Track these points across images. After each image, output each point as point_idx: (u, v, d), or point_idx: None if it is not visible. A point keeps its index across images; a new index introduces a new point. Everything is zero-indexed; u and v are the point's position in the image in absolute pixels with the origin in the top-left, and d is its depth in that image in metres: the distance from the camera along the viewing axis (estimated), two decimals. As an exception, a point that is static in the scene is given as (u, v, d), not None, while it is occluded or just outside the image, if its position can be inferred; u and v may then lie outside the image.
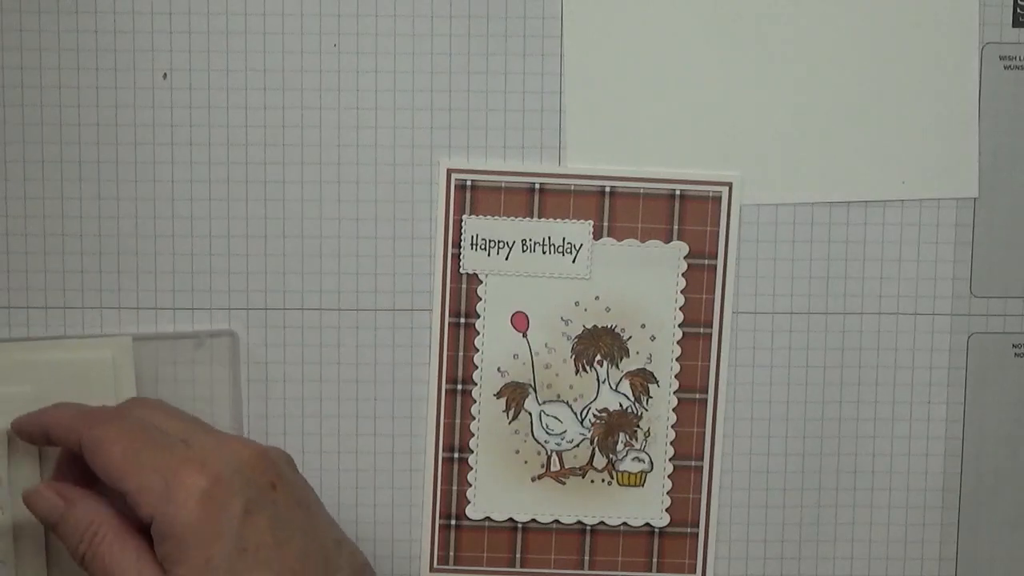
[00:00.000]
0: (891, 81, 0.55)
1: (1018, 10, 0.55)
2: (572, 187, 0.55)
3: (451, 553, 0.57)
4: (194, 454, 0.46)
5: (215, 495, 0.45)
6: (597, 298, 0.56)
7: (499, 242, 0.56)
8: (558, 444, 0.56)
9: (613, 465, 0.57)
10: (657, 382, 0.56)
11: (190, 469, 0.46)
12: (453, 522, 0.57)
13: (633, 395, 0.56)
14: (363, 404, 0.56)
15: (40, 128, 0.55)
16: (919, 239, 0.56)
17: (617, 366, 0.56)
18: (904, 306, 0.57)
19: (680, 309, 0.56)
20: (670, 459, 0.57)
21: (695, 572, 0.57)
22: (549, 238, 0.56)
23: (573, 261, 0.56)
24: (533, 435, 0.56)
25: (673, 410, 0.57)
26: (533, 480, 0.57)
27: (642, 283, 0.56)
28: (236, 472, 0.46)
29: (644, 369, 0.56)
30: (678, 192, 0.56)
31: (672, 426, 0.57)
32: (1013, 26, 0.55)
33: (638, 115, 0.55)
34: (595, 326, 0.56)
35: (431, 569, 0.57)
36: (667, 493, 0.57)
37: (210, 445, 0.47)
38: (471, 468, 0.57)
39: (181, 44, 0.55)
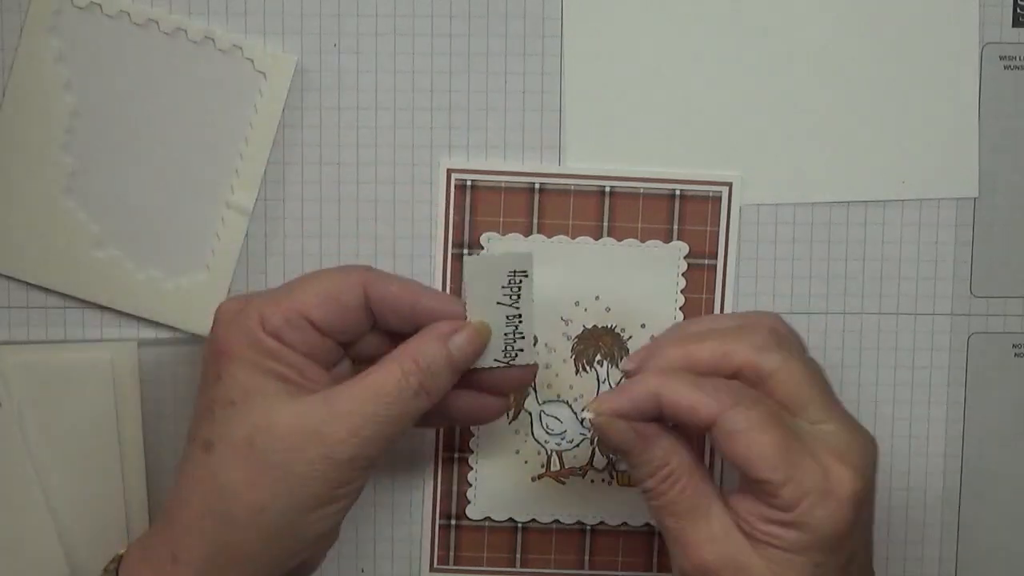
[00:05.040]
0: (891, 81, 0.55)
1: (1018, 10, 0.55)
2: (572, 187, 0.55)
3: (451, 553, 0.57)
4: (843, 449, 0.45)
5: (863, 499, 0.45)
6: (597, 298, 0.56)
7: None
8: (558, 444, 0.56)
9: (613, 465, 0.57)
10: (657, 382, 0.56)
11: (845, 470, 0.44)
12: (453, 522, 0.57)
13: (633, 395, 0.56)
14: (363, 404, 0.56)
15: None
16: (919, 239, 0.56)
17: (617, 366, 0.56)
18: (904, 306, 0.57)
19: (680, 309, 0.56)
20: (670, 459, 0.57)
21: (695, 572, 0.57)
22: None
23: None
24: (533, 435, 0.56)
25: (673, 410, 0.56)
26: (533, 480, 0.57)
27: (642, 283, 0.56)
28: (873, 472, 0.46)
29: (644, 369, 0.56)
30: (678, 192, 0.56)
31: (673, 425, 0.57)
32: (1013, 26, 0.55)
33: (638, 115, 0.55)
34: (595, 326, 0.56)
35: (431, 569, 0.57)
36: (667, 493, 0.57)
37: (847, 437, 0.46)
38: (471, 468, 0.57)
39: (181, 44, 0.55)
